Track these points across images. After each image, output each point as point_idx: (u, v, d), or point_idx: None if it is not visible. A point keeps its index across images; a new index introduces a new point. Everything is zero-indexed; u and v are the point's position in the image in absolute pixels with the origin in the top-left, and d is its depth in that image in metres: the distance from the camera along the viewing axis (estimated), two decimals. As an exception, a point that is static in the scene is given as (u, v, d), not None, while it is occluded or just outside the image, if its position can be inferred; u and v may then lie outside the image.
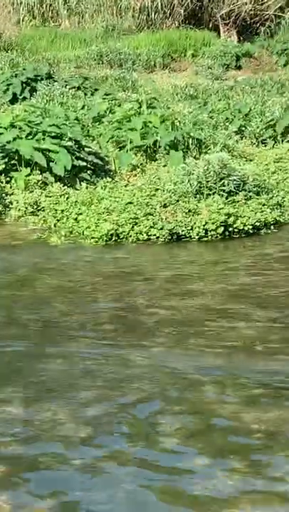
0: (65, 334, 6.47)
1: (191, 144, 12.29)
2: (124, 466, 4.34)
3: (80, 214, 9.85)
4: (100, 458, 4.44)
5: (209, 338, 6.27)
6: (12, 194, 10.70)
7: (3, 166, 11.02)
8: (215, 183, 10.05)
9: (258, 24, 26.88)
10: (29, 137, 11.30)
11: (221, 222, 9.54)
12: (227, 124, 14.14)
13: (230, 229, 9.61)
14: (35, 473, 4.34)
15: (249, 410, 4.93)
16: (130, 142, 12.26)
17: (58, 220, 9.94)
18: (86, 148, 11.81)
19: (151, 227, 9.44)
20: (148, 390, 5.29)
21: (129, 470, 4.31)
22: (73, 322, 6.73)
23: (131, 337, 6.34)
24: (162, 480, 4.23)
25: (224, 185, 10.02)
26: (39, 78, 17.67)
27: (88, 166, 11.50)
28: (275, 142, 13.60)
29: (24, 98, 16.66)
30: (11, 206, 10.47)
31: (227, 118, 14.54)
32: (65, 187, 10.80)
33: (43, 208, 10.36)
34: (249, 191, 10.17)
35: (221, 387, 5.31)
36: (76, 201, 10.21)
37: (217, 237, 9.53)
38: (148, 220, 9.51)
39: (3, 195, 10.64)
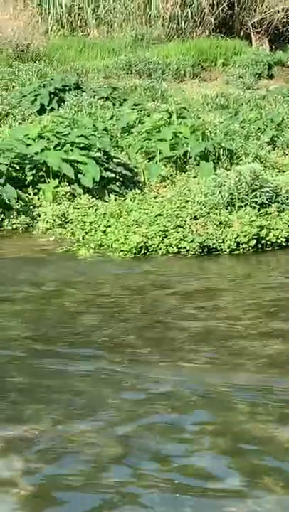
0: (93, 349, 6.43)
1: (222, 154, 12.24)
2: (155, 487, 4.30)
3: (109, 226, 9.83)
4: (130, 478, 4.40)
5: (241, 355, 6.21)
6: (40, 206, 10.71)
7: (31, 178, 11.04)
8: (247, 195, 9.99)
9: (291, 32, 26.79)
10: (57, 148, 11.32)
11: (253, 235, 9.47)
12: (259, 134, 14.08)
13: (263, 242, 9.54)
14: (64, 493, 4.31)
15: (283, 430, 4.87)
16: (160, 153, 12.24)
17: (86, 233, 9.93)
18: (115, 160, 11.80)
19: (181, 239, 9.39)
20: (178, 408, 5.24)
21: (160, 491, 4.26)
22: (101, 337, 6.70)
23: (160, 353, 6.30)
24: (195, 501, 4.18)
25: (256, 197, 9.96)
26: (67, 88, 17.71)
27: (117, 177, 11.49)
28: (309, 153, 13.53)
29: (52, 109, 16.69)
30: (38, 218, 10.47)
31: (259, 128, 14.47)
32: (94, 199, 10.78)
33: (71, 220, 10.35)
34: (282, 203, 10.10)
35: (253, 405, 5.24)
36: (105, 213, 10.20)
37: (249, 250, 9.46)
38: (178, 232, 9.46)
39: (31, 207, 10.66)
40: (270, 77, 24.09)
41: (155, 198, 10.83)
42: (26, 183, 11.04)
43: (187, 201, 10.22)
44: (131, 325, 6.98)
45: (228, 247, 9.39)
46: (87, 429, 4.97)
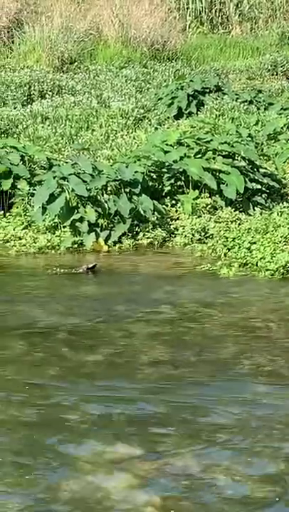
0: (237, 378, 6.45)
1: None
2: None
3: (254, 243, 9.79)
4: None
5: None
6: (178, 219, 10.76)
7: (169, 188, 11.11)
8: None
9: None
10: (198, 156, 11.35)
11: None
12: None
13: None
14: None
15: None
16: (311, 163, 12.17)
17: (228, 249, 9.93)
18: (261, 169, 11.76)
19: None
20: None
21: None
22: (247, 365, 6.70)
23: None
24: None
25: None
26: (207, 91, 17.78)
27: (263, 189, 11.44)
28: None
29: (190, 113, 16.76)
30: (176, 232, 10.53)
31: None
32: (237, 212, 10.79)
33: (211, 235, 10.37)
34: None
35: None
36: (249, 228, 10.17)
37: None
38: None
39: (168, 219, 10.73)
40: None
41: (305, 212, 10.74)
42: (164, 193, 11.12)
43: None
44: (279, 352, 6.95)
45: None
46: (229, 465, 4.98)
